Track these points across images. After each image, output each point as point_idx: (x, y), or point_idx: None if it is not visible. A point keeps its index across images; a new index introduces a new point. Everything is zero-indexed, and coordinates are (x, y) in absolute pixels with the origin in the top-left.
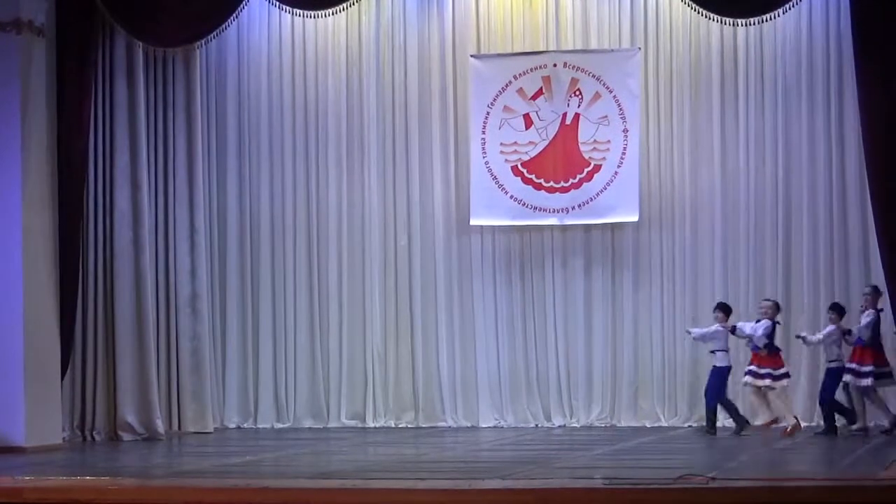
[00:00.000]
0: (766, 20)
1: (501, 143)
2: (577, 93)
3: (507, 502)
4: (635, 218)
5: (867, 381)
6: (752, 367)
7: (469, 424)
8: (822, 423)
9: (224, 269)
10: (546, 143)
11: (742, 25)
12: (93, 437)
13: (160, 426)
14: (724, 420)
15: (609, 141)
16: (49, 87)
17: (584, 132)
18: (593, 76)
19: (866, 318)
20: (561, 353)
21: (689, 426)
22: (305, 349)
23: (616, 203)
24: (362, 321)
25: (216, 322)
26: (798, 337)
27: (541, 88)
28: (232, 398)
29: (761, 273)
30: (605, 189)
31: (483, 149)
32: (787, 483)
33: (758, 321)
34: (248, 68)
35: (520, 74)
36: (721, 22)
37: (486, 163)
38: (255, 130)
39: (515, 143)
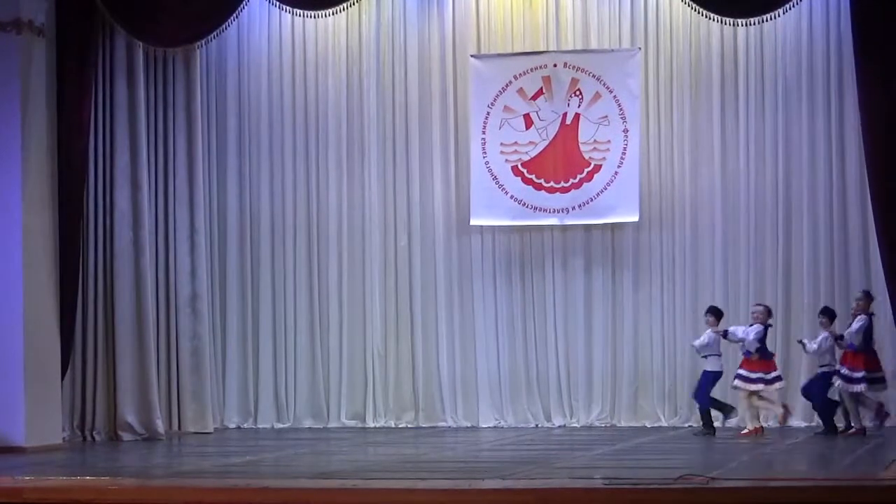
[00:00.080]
0: (766, 20)
1: (501, 143)
2: (578, 93)
3: (507, 502)
4: (635, 218)
5: (860, 387)
6: (743, 372)
7: (469, 424)
8: (821, 423)
9: (224, 269)
10: (546, 143)
11: (742, 25)
12: (93, 437)
13: (160, 426)
14: (724, 420)
15: (609, 141)
16: (49, 87)
17: (585, 132)
18: (593, 76)
19: (857, 324)
20: (561, 353)
21: (689, 426)
22: (305, 349)
23: (616, 203)
24: (362, 321)
25: (216, 322)
26: (799, 342)
27: (541, 88)
28: (232, 398)
29: (761, 273)
30: (606, 189)
31: (483, 149)
32: (787, 483)
33: (751, 325)
34: (248, 68)
35: (520, 74)
36: (721, 22)
37: (487, 163)
38: (255, 130)
39: (516, 143)
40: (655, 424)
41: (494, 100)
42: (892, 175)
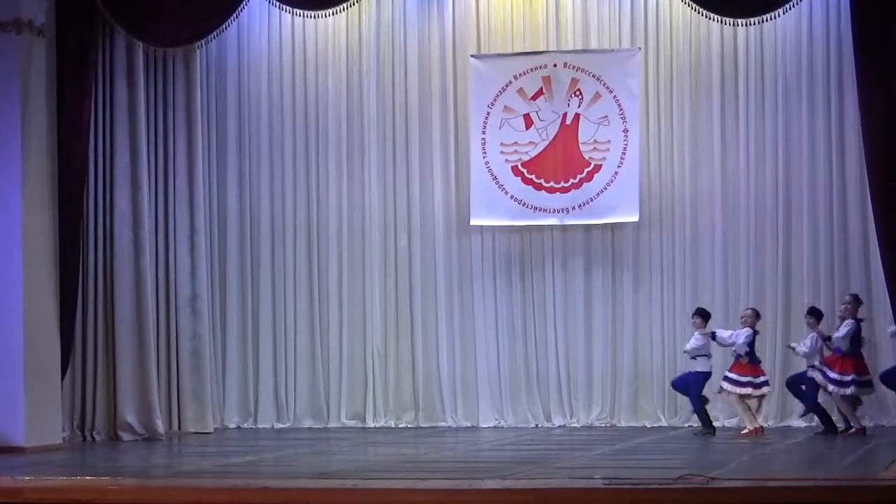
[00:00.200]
0: (766, 20)
1: (501, 143)
2: (578, 93)
3: (507, 502)
4: (635, 218)
5: (851, 390)
6: (733, 376)
7: (469, 424)
8: (820, 423)
9: (224, 269)
10: (546, 143)
11: (742, 26)
12: (93, 437)
13: (160, 426)
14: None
15: (609, 141)
16: (49, 87)
17: (585, 132)
18: (593, 76)
19: (844, 329)
20: (561, 353)
21: (689, 426)
22: (305, 349)
23: (616, 203)
24: (362, 321)
25: (216, 322)
26: (789, 347)
27: (541, 88)
28: (232, 398)
29: (761, 273)
30: (606, 189)
31: (483, 149)
32: (787, 483)
33: (742, 328)
34: (248, 68)
35: (520, 74)
36: (721, 22)
37: (487, 163)
38: (255, 130)
39: (516, 143)
40: (655, 424)
41: (494, 100)
42: (892, 175)
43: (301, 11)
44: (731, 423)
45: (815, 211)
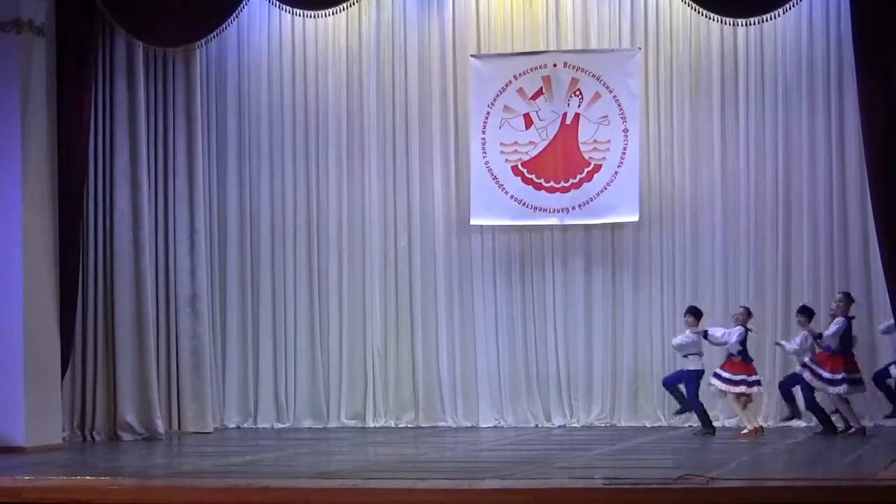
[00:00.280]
0: (766, 20)
1: (501, 143)
2: (578, 93)
3: (507, 502)
4: (635, 218)
5: (842, 388)
6: (726, 374)
7: (469, 424)
8: (819, 423)
9: (224, 269)
10: (546, 143)
11: (742, 25)
12: (93, 437)
13: (160, 426)
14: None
15: (609, 141)
16: (49, 87)
17: (585, 132)
18: (593, 76)
19: (834, 326)
20: (561, 353)
21: (689, 426)
22: (305, 349)
23: (616, 203)
24: (362, 321)
25: (216, 322)
26: (777, 344)
27: (541, 88)
28: (232, 398)
29: (761, 273)
30: (606, 189)
31: (483, 149)
32: (787, 483)
33: (735, 327)
34: (248, 68)
35: (520, 74)
36: (721, 22)
37: (487, 163)
38: (255, 130)
39: (515, 142)
40: (655, 424)
41: (494, 100)
42: (892, 175)
43: (301, 11)
44: (731, 423)
45: (815, 211)
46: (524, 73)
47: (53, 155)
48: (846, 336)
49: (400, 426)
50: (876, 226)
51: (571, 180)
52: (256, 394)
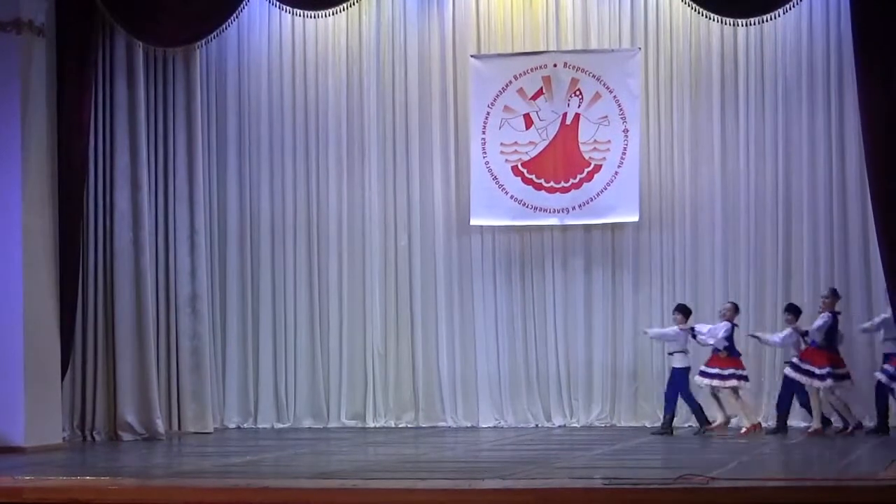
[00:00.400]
0: (766, 20)
1: (501, 143)
2: (578, 93)
3: (507, 502)
4: (635, 218)
5: (826, 383)
6: (714, 370)
7: (469, 424)
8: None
9: (224, 269)
10: (546, 143)
11: (742, 25)
12: (93, 437)
13: (160, 426)
14: (663, 424)
15: (609, 141)
16: (49, 87)
17: (585, 132)
18: (593, 76)
19: (819, 321)
20: (561, 353)
21: (689, 426)
22: (305, 349)
23: (616, 203)
24: (362, 321)
25: (216, 322)
26: (753, 336)
27: (541, 88)
28: (232, 398)
29: (761, 273)
30: (606, 189)
31: (483, 149)
32: (787, 483)
33: (721, 322)
34: (248, 68)
35: (520, 74)
36: (721, 22)
37: (487, 163)
38: (255, 130)
39: (516, 143)
40: (655, 424)
41: (494, 100)
42: (892, 175)
43: (301, 11)
44: (731, 423)
45: (815, 211)
46: (524, 74)
47: (53, 155)
48: (831, 332)
49: (400, 426)
50: (876, 226)
51: (571, 180)
52: (256, 394)
